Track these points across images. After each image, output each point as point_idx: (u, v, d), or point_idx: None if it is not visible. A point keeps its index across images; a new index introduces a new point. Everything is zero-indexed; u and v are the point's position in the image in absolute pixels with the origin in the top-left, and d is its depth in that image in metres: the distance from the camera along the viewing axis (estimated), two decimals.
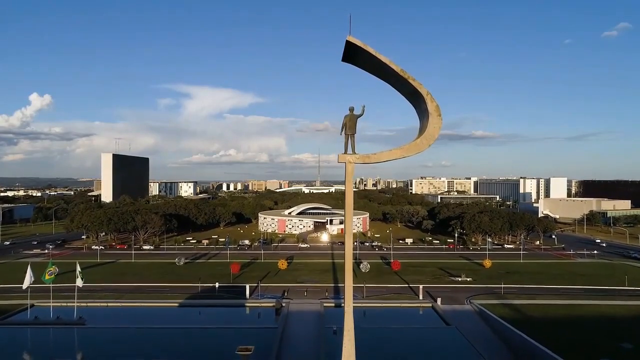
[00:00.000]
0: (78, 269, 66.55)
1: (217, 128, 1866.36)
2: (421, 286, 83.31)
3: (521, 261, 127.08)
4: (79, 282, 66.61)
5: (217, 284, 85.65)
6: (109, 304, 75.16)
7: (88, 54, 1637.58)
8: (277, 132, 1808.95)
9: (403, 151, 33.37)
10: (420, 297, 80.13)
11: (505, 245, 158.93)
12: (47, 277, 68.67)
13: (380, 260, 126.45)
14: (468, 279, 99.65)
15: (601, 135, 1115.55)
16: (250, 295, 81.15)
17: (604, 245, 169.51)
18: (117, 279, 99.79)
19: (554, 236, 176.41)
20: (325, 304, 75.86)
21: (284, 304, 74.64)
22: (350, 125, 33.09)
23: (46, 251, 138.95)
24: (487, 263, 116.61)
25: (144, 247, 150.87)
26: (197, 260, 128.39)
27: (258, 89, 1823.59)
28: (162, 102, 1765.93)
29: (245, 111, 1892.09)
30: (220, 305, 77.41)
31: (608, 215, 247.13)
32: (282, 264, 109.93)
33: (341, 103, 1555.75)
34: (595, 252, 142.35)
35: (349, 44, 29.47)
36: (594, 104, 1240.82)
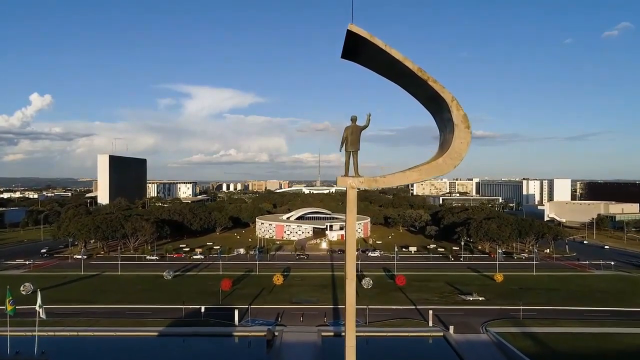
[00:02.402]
0: (39, 300, 58.06)
1: (217, 128, 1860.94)
2: (430, 311, 74.34)
3: (534, 273, 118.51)
4: (42, 314, 58.18)
5: (202, 308, 76.95)
6: (80, 334, 66.67)
7: (88, 54, 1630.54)
8: (277, 132, 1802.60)
9: (421, 174, 25.78)
10: (430, 324, 71.60)
11: (520, 255, 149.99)
12: (9, 307, 60.28)
13: (383, 273, 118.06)
14: (480, 298, 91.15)
15: (601, 135, 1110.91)
16: (239, 320, 72.70)
17: (607, 247, 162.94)
18: (96, 297, 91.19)
19: (566, 242, 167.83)
20: (323, 333, 67.72)
21: (276, 333, 66.46)
22: (352, 139, 25.67)
23: (28, 262, 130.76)
24: (499, 277, 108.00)
25: (195, 257, 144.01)
26: (188, 273, 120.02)
27: (258, 89, 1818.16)
28: (162, 102, 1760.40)
29: (246, 111, 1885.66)
30: (205, 334, 68.47)
31: (617, 219, 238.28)
32: (278, 279, 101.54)
33: (341, 103, 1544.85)
34: (612, 262, 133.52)
35: (350, 35, 21.68)
36: (594, 104, 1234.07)
